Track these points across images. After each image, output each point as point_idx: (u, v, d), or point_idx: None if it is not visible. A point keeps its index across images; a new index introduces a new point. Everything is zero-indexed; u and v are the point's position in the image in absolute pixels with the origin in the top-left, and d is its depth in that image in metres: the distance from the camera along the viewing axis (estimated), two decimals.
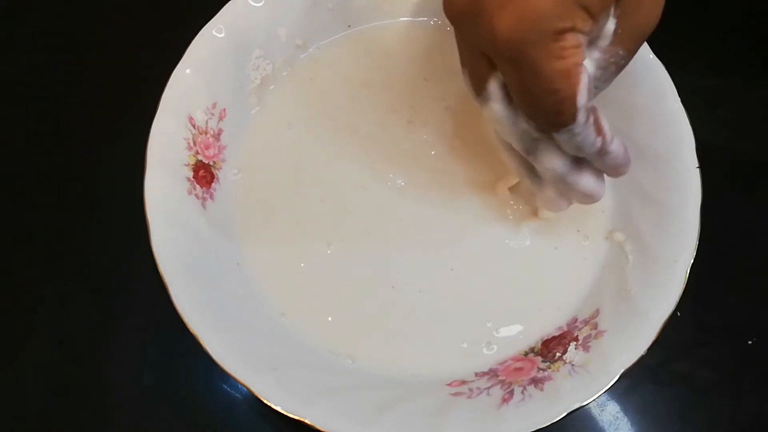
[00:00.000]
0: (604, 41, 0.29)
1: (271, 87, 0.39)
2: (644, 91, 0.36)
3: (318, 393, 0.30)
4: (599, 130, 0.30)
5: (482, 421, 0.30)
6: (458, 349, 0.34)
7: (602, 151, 0.31)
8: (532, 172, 0.33)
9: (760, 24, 0.48)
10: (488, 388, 0.32)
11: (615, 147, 0.31)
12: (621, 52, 0.30)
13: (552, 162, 0.31)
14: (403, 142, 0.38)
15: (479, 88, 0.31)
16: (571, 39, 0.27)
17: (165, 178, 0.33)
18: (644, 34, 0.30)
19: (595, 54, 0.29)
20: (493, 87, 0.30)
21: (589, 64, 0.29)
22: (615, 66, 0.30)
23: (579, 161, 0.32)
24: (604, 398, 0.29)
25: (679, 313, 0.31)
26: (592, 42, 0.29)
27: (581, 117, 0.28)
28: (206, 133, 0.36)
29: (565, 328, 0.34)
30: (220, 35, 0.36)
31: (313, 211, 0.37)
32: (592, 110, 0.29)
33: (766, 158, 0.44)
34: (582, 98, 0.28)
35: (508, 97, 0.30)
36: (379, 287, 0.35)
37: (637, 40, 0.30)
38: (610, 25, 0.29)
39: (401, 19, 0.41)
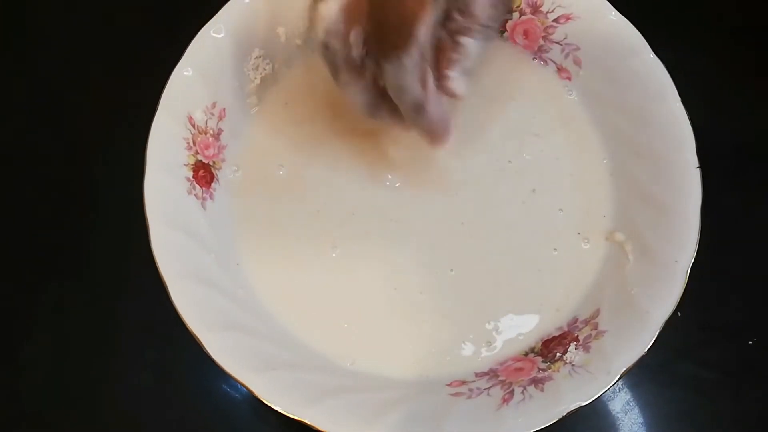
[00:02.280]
0: None
1: (271, 87, 0.39)
2: (644, 91, 0.36)
3: (318, 393, 0.30)
4: (424, 84, 0.30)
5: (482, 422, 0.30)
6: (458, 349, 0.34)
7: (419, 107, 0.31)
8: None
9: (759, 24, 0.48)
10: (488, 388, 0.32)
11: (433, 108, 0.31)
12: None
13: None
14: (402, 142, 0.38)
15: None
16: None
17: (165, 178, 0.33)
18: None
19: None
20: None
21: (479, 1, 0.30)
22: (503, 4, 0.32)
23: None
24: (604, 398, 0.29)
25: (679, 313, 0.31)
26: None
27: (414, 51, 0.29)
28: (206, 133, 0.36)
29: (566, 329, 0.34)
30: (219, 35, 0.36)
31: (312, 212, 0.37)
32: (424, 63, 0.29)
33: (766, 158, 0.44)
34: (421, 29, 0.28)
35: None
36: (379, 288, 0.35)
37: None
38: None
39: None
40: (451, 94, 0.32)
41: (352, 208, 0.37)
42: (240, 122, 0.38)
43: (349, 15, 0.30)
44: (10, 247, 0.42)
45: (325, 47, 0.31)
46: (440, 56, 0.32)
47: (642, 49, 0.36)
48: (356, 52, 0.31)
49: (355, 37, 0.31)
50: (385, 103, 0.33)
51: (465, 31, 0.31)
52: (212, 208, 0.35)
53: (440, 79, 0.32)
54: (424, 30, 0.29)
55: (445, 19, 0.31)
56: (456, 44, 0.32)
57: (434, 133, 0.32)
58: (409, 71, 0.29)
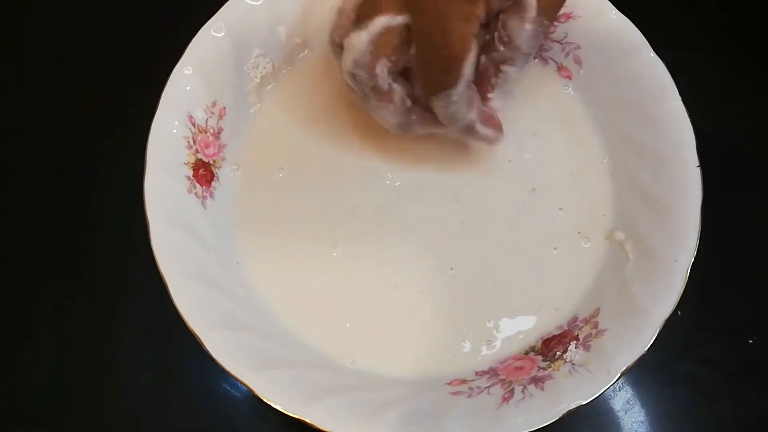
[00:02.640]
0: (531, 12, 0.32)
1: (271, 86, 0.39)
2: (645, 90, 0.36)
3: (318, 392, 0.30)
4: (470, 107, 0.33)
5: (482, 420, 0.30)
6: (459, 348, 0.34)
7: (470, 129, 0.34)
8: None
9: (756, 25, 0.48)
10: (488, 387, 0.32)
11: (482, 126, 0.34)
12: (546, 21, 0.32)
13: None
14: (402, 140, 0.38)
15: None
16: (480, 7, 0.30)
17: (165, 177, 0.33)
18: (562, 3, 0.33)
19: (527, 26, 0.32)
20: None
21: (523, 34, 0.32)
22: (542, 34, 0.33)
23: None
24: (604, 397, 0.29)
25: (679, 313, 0.31)
26: (520, 17, 0.32)
27: (461, 85, 0.31)
28: (206, 132, 0.36)
29: (566, 327, 0.34)
30: (219, 34, 0.36)
31: (313, 210, 0.37)
32: (470, 91, 0.32)
33: (766, 158, 0.45)
34: (467, 68, 0.31)
35: None
36: (379, 287, 0.35)
37: (556, 9, 0.33)
38: (532, 1, 0.32)
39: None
40: (490, 111, 0.35)
41: (353, 207, 0.37)
42: (240, 121, 0.38)
43: (378, 48, 0.31)
44: (10, 247, 0.42)
45: (352, 76, 0.33)
46: (483, 80, 0.34)
47: (642, 48, 0.36)
48: (383, 81, 0.32)
49: (381, 69, 0.32)
50: (416, 118, 0.35)
51: (507, 61, 0.34)
52: (212, 206, 0.35)
53: (482, 100, 0.34)
54: (469, 66, 0.31)
55: (489, 49, 0.33)
56: (498, 71, 0.34)
57: (488, 141, 0.35)
58: (458, 103, 0.32)
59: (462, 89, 0.31)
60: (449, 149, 0.38)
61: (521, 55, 0.33)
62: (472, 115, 0.33)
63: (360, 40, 0.31)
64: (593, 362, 0.31)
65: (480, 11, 0.30)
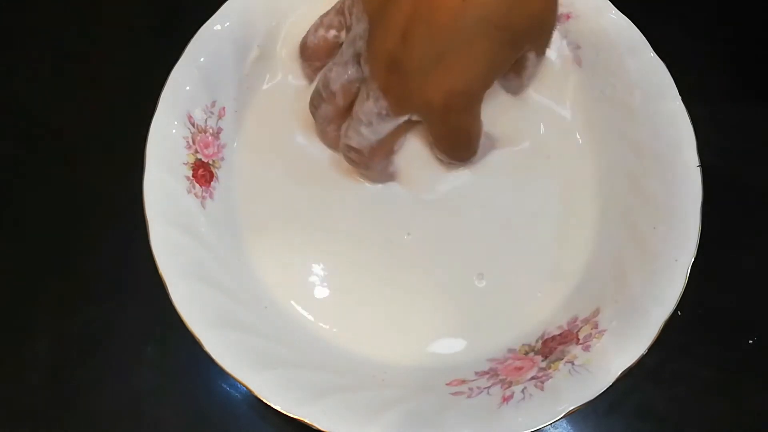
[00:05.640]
0: (532, 64, 0.35)
1: (271, 85, 0.39)
2: (644, 90, 0.36)
3: (318, 393, 0.30)
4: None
5: (482, 421, 0.30)
6: (458, 348, 0.34)
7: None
8: None
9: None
10: (488, 387, 0.32)
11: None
12: (543, 59, 0.36)
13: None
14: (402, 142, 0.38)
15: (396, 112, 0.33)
16: (483, 98, 0.33)
17: (164, 177, 0.33)
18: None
19: (529, 71, 0.36)
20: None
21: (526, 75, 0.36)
22: (540, 67, 0.37)
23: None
24: (604, 397, 0.29)
25: (679, 313, 0.31)
26: None
27: (478, 156, 0.36)
28: (205, 132, 0.36)
29: (566, 327, 0.34)
30: (219, 33, 0.36)
31: (313, 210, 0.37)
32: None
33: (766, 158, 0.44)
34: (481, 138, 0.35)
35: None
36: (380, 287, 0.35)
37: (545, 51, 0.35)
38: (531, 56, 0.34)
39: None
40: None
41: (353, 206, 0.37)
42: (240, 121, 0.38)
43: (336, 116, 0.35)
44: (10, 247, 0.42)
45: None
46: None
47: (642, 47, 0.36)
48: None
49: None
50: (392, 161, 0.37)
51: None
52: (212, 206, 0.35)
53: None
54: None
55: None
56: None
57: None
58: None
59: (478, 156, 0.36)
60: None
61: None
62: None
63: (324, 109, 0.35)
64: (593, 362, 0.31)
65: (481, 101, 0.33)
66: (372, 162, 0.35)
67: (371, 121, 0.33)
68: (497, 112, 0.38)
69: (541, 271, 0.36)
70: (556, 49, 0.38)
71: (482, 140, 0.35)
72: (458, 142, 0.35)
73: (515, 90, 0.38)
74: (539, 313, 0.35)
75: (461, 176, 0.37)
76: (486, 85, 0.32)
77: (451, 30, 0.30)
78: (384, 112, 0.32)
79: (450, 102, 0.31)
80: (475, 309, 0.35)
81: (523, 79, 0.36)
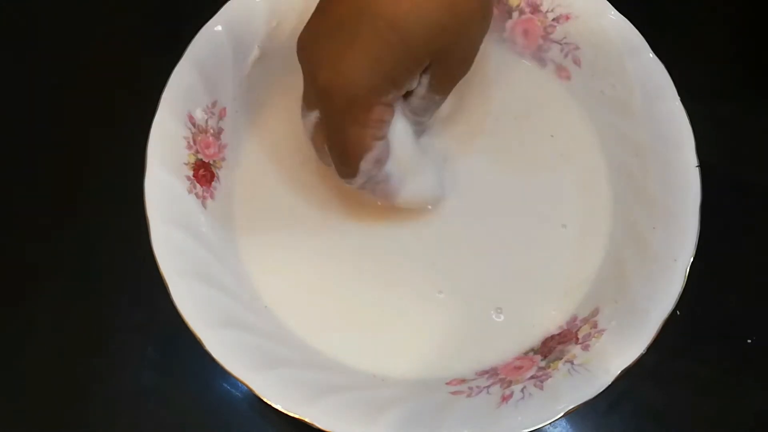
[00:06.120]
0: (421, 90, 0.32)
1: (272, 86, 0.39)
2: (644, 91, 0.36)
3: (318, 392, 0.30)
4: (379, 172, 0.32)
5: (482, 420, 0.30)
6: (458, 347, 0.34)
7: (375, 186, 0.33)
8: None
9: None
10: (488, 386, 0.32)
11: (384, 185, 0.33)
12: (437, 98, 0.32)
13: None
14: None
15: (310, 106, 0.32)
16: (377, 112, 0.30)
17: (165, 177, 0.33)
18: (456, 82, 0.33)
19: (414, 102, 0.32)
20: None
21: (400, 116, 0.32)
22: (434, 105, 0.33)
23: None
24: (603, 397, 0.29)
25: (678, 312, 0.31)
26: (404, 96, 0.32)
27: (360, 178, 0.32)
28: (206, 132, 0.36)
29: (565, 327, 0.34)
30: (220, 34, 0.36)
31: (313, 210, 0.37)
32: (379, 162, 0.32)
33: (766, 157, 0.45)
34: (366, 164, 0.31)
35: None
36: (380, 287, 0.35)
37: (449, 88, 0.33)
38: (424, 80, 0.31)
39: None
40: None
41: (354, 205, 0.37)
42: (240, 121, 0.38)
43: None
44: (10, 247, 0.42)
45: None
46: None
47: (641, 48, 0.36)
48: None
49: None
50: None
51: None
52: (213, 206, 0.35)
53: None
54: (370, 161, 0.31)
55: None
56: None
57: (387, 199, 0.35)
58: (368, 185, 0.33)
59: (362, 179, 0.32)
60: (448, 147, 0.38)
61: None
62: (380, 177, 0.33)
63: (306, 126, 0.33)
64: (593, 362, 0.31)
65: (378, 115, 0.30)
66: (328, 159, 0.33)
67: (302, 114, 0.33)
68: (496, 111, 0.38)
69: (540, 271, 0.36)
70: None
71: (401, 173, 0.33)
72: (333, 148, 0.31)
73: (416, 131, 0.34)
74: (539, 314, 0.35)
75: (459, 173, 0.37)
76: (372, 90, 0.29)
77: (341, 13, 0.29)
78: (303, 108, 0.32)
79: (328, 88, 0.29)
80: (476, 311, 0.35)
81: (413, 108, 0.33)
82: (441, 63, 0.30)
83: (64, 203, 0.43)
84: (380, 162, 0.32)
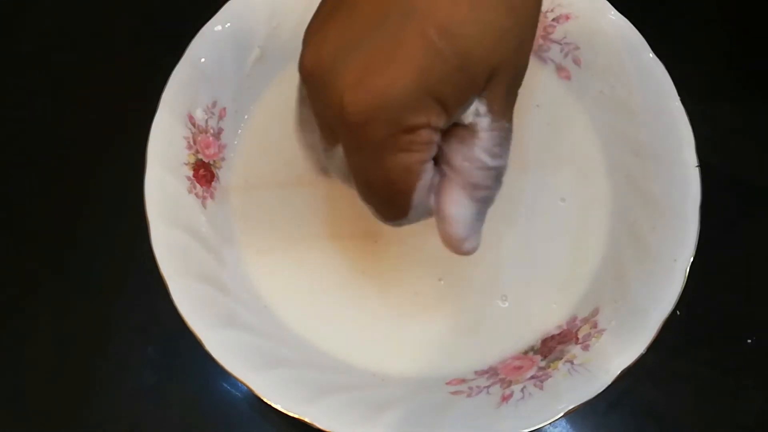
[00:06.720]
0: (484, 121, 0.25)
1: (272, 85, 0.39)
2: (644, 91, 0.36)
3: (318, 392, 0.30)
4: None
5: (482, 420, 0.30)
6: (458, 347, 0.34)
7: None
8: None
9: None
10: (488, 386, 0.32)
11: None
12: (507, 125, 0.26)
13: None
14: None
15: (331, 140, 0.27)
16: (423, 135, 0.24)
17: (165, 177, 0.33)
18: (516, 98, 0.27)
19: (483, 137, 0.25)
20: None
21: (480, 146, 0.25)
22: (508, 135, 0.26)
23: None
24: (603, 397, 0.29)
25: (678, 312, 0.31)
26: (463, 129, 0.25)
27: (413, 215, 0.26)
28: (206, 132, 0.36)
29: (565, 327, 0.34)
30: (220, 34, 0.36)
31: (313, 209, 0.37)
32: (432, 188, 0.26)
33: (766, 157, 0.45)
34: (419, 197, 0.25)
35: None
36: (380, 287, 0.35)
37: (512, 108, 0.27)
38: (481, 108, 0.25)
39: None
40: None
41: (353, 206, 0.37)
42: (241, 121, 0.38)
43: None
44: (10, 247, 0.42)
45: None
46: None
47: (641, 48, 0.36)
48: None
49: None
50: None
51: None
52: (213, 206, 0.35)
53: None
54: (423, 193, 0.25)
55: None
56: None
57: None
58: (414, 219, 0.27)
59: (415, 216, 0.26)
60: None
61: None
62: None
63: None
64: (592, 362, 0.31)
65: (424, 137, 0.24)
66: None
67: (325, 153, 0.27)
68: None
69: (540, 271, 0.36)
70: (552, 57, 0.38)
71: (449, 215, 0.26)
72: (371, 188, 0.25)
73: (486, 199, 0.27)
74: (539, 314, 0.35)
75: None
76: (419, 110, 0.23)
77: (370, 16, 0.23)
78: (323, 145, 0.27)
79: (364, 115, 0.23)
80: (475, 311, 0.35)
81: (474, 149, 0.25)
82: (502, 77, 0.24)
83: (64, 203, 0.43)
84: (432, 187, 0.26)
